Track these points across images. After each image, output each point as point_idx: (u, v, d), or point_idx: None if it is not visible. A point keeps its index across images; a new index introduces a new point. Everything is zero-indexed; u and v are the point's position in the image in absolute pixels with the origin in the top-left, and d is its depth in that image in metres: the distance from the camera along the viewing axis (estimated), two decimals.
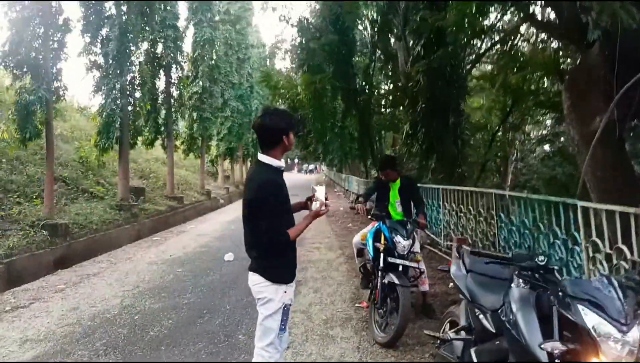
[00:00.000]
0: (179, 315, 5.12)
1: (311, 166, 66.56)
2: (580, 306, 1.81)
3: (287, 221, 2.64)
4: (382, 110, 19.43)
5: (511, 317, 2.17)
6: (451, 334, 3.02)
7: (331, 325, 4.70)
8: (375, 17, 15.59)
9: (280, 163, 2.64)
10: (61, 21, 9.04)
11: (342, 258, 8.06)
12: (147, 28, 14.38)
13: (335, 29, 14.69)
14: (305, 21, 15.46)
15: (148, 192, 15.29)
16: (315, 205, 2.76)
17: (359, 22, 16.19)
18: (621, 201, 4.15)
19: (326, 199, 2.77)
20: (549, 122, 21.28)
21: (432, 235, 8.33)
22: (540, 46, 11.60)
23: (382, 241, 4.44)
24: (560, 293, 1.97)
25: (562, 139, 17.76)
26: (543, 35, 11.68)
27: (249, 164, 35.30)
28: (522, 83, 12.84)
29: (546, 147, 21.27)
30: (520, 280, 2.31)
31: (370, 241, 4.70)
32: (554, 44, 11.29)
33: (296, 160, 70.08)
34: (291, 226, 2.63)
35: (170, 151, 16.34)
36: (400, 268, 4.35)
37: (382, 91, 19.41)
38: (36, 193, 9.40)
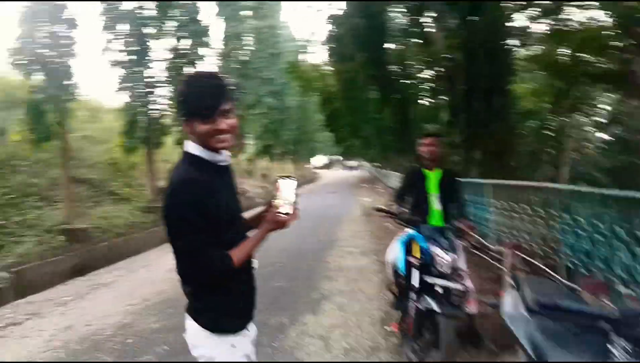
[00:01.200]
0: (176, 340, 4.38)
1: (353, 163, 65.36)
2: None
3: (230, 238, 1.73)
4: (421, 100, 18.24)
5: None
6: None
7: (354, 357, 3.83)
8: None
9: (214, 153, 1.71)
10: (66, 16, 8.56)
11: (376, 265, 7.14)
12: (165, 23, 13.89)
13: (364, 13, 13.67)
14: (334, 7, 14.55)
15: None
16: (276, 207, 1.78)
17: (390, 5, 15.07)
18: None
19: (295, 200, 1.81)
20: (606, 107, 19.49)
21: (478, 237, 7.26)
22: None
23: (417, 253, 3.51)
24: None
25: (621, 125, 16.04)
26: None
27: (287, 162, 34.93)
28: (576, 62, 11.42)
29: (603, 135, 19.44)
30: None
31: (400, 253, 3.77)
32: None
33: (338, 157, 69.14)
34: (233, 244, 1.74)
35: None
36: (440, 288, 3.41)
37: (420, 78, 18.19)
38: (58, 197, 9.02)
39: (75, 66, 8.96)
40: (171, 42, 14.68)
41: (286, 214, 1.77)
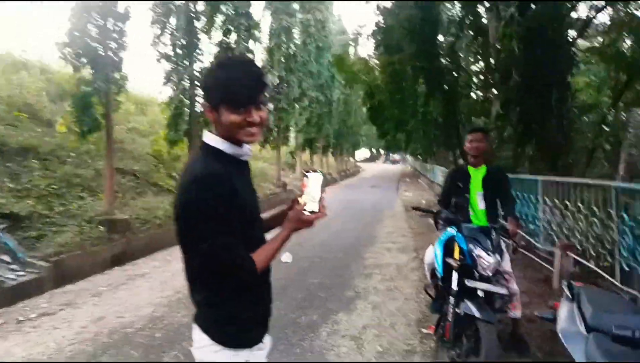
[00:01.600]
0: None
1: (396, 156, 64.49)
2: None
3: (251, 240, 1.55)
4: (471, 93, 17.56)
5: None
6: None
7: (387, 359, 3.61)
8: None
9: (237, 146, 1.55)
10: (122, 10, 8.65)
11: (415, 262, 6.87)
12: (217, 16, 13.99)
13: (416, 4, 13.24)
14: None
15: None
16: (301, 204, 1.61)
17: None
18: None
19: (321, 196, 1.62)
20: None
21: (527, 236, 6.82)
22: None
23: (457, 255, 3.24)
24: None
25: None
26: None
27: (330, 156, 34.75)
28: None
29: None
30: None
31: (439, 254, 3.51)
32: None
33: (381, 150, 68.42)
34: (255, 245, 1.57)
35: None
36: (482, 292, 3.13)
37: (471, 71, 17.48)
38: (101, 188, 9.22)
39: (124, 59, 9.09)
40: (220, 36, 14.83)
41: (312, 212, 1.60)
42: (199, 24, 12.56)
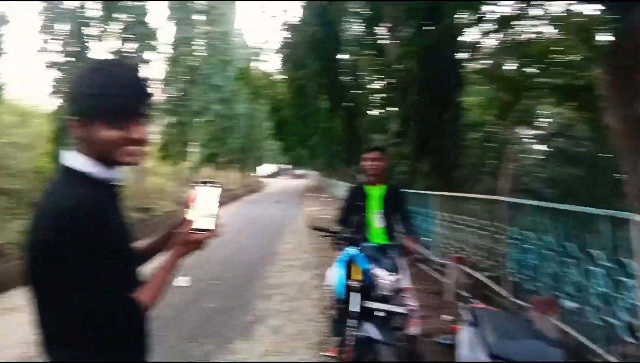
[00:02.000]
0: None
1: (300, 172, 65.09)
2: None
3: (124, 276, 1.24)
4: (371, 111, 18.19)
5: None
6: None
7: None
8: (363, 7, 14.39)
9: (106, 169, 1.25)
10: None
11: (317, 280, 6.72)
12: (110, 24, 13.14)
13: (320, 22, 13.45)
14: (289, 13, 14.26)
15: None
16: (188, 224, 1.30)
17: (346, 14, 14.91)
18: None
19: (216, 212, 1.32)
20: (546, 120, 20.17)
21: (423, 249, 7.01)
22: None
23: (357, 276, 3.13)
24: None
25: (561, 138, 16.63)
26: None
27: (234, 171, 34.10)
28: (523, 75, 11.67)
29: (542, 147, 20.09)
30: None
31: (339, 275, 3.37)
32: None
33: (286, 166, 68.71)
34: (134, 285, 1.25)
35: None
36: (382, 312, 3.03)
37: (372, 89, 18.13)
38: None
39: (2, 65, 8.10)
40: (115, 44, 13.94)
41: (204, 230, 1.30)
42: (91, 30, 11.69)
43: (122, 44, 14.43)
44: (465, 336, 1.83)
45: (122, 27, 13.71)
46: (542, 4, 9.79)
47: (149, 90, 1.26)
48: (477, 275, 5.17)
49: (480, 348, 1.64)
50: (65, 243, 1.10)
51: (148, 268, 1.39)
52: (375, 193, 3.81)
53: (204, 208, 1.32)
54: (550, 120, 18.10)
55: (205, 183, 1.36)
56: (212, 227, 1.30)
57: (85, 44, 10.99)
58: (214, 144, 23.18)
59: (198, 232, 1.29)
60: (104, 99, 1.18)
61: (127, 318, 1.18)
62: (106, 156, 1.22)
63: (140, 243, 1.44)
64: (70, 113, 1.21)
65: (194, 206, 1.32)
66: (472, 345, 1.72)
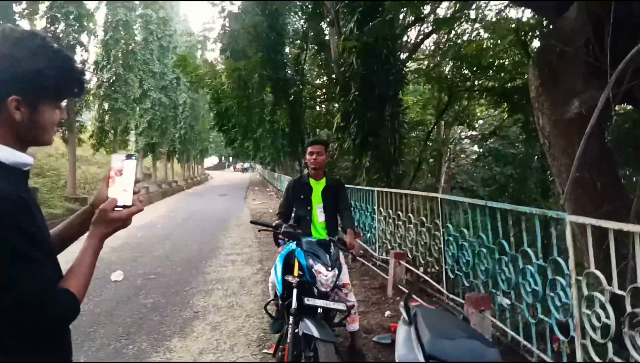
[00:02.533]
0: None
1: (246, 165, 64.41)
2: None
3: (50, 268, 1.12)
4: (315, 105, 18.23)
5: None
6: None
7: None
8: (306, 1, 14.33)
9: (16, 154, 1.10)
10: None
11: (260, 275, 6.66)
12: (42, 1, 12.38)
13: (263, 11, 13.27)
14: (229, 1, 13.94)
15: (44, 193, 13.26)
16: (112, 200, 1.20)
17: (289, 6, 14.79)
18: (611, 214, 3.13)
19: (136, 188, 1.24)
20: (480, 121, 21.06)
21: (364, 245, 7.13)
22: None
23: (296, 271, 3.11)
24: None
25: (492, 139, 17.44)
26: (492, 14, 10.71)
27: (175, 162, 33.10)
28: (459, 75, 12.14)
29: (475, 147, 20.95)
30: None
31: (279, 270, 3.35)
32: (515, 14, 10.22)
33: (230, 158, 67.61)
34: (58, 276, 1.13)
35: (72, 145, 14.24)
36: (321, 309, 3.03)
37: (315, 84, 18.15)
38: None
39: None
40: (42, 23, 13.12)
41: (123, 207, 1.21)
42: (17, 8, 10.92)
43: (54, 25, 13.65)
44: (400, 334, 1.85)
45: (52, 5, 12.95)
46: (479, 7, 10.19)
47: (78, 69, 1.19)
48: (417, 271, 5.31)
49: (415, 347, 1.66)
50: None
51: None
52: (317, 186, 3.80)
53: (122, 183, 1.24)
54: (483, 121, 18.97)
55: (123, 156, 1.28)
56: (129, 203, 1.22)
57: (11, 22, 10.21)
58: (153, 133, 22.36)
59: (120, 209, 1.20)
60: (61, 81, 1.12)
61: (64, 309, 1.08)
62: (37, 136, 1.14)
63: (55, 228, 1.31)
64: (6, 92, 1.06)
65: (112, 181, 1.24)
66: (408, 344, 1.73)
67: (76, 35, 14.16)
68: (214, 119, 20.79)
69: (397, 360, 1.74)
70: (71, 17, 13.66)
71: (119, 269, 6.72)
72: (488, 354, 1.49)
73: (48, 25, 13.58)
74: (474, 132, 19.77)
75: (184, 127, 29.27)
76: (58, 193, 14.17)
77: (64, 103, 1.20)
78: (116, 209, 1.20)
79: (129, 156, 1.27)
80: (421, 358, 1.57)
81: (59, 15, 13.60)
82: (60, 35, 13.67)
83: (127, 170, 1.24)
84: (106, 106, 17.48)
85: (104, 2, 17.86)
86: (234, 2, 14.60)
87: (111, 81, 17.34)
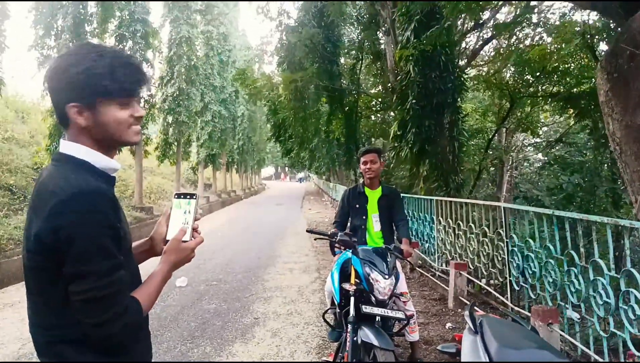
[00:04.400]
0: None
1: (301, 175, 65.23)
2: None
3: (129, 273, 1.21)
4: (370, 115, 18.21)
5: None
6: None
7: None
8: (361, 11, 14.42)
9: (108, 158, 1.23)
10: None
11: (317, 284, 6.71)
12: (111, 20, 13.17)
13: (319, 23, 13.48)
14: (286, 15, 14.25)
15: None
16: (182, 231, 1.31)
17: (344, 17, 14.93)
18: None
19: (195, 224, 1.36)
20: (545, 128, 20.20)
21: (422, 255, 7.01)
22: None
23: (353, 279, 3.12)
24: None
25: (558, 147, 16.66)
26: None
27: (234, 172, 34.07)
28: (521, 81, 11.73)
29: (540, 156, 20.08)
30: None
31: (336, 279, 3.36)
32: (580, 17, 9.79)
33: (286, 168, 68.77)
34: (137, 284, 1.25)
35: (139, 156, 14.98)
36: (379, 317, 3.02)
37: (371, 93, 18.16)
38: None
39: (1, 61, 8.07)
40: (112, 42, 13.96)
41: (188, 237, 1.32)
42: (88, 27, 11.71)
43: (123, 43, 14.48)
44: (466, 343, 1.80)
45: (121, 23, 13.74)
46: (541, 11, 9.82)
47: (142, 69, 1.26)
48: (479, 282, 5.16)
49: (483, 356, 1.62)
50: (78, 229, 1.06)
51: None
52: (372, 195, 3.79)
53: (181, 218, 1.34)
54: (548, 128, 18.14)
55: (185, 195, 1.38)
56: (188, 238, 1.32)
57: (82, 40, 10.95)
58: (213, 144, 23.12)
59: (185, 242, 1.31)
60: (110, 79, 1.16)
61: (129, 314, 1.14)
62: (114, 138, 1.21)
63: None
64: (66, 101, 1.15)
65: (175, 217, 1.34)
66: (474, 353, 1.69)
67: (143, 53, 14.92)
68: (270, 130, 21.26)
69: None
70: (138, 35, 14.43)
71: (183, 275, 6.99)
72: None
73: (116, 43, 14.43)
74: (538, 140, 19.00)
75: (242, 138, 30.12)
76: (126, 202, 14.95)
77: (135, 101, 1.26)
78: (184, 243, 1.31)
79: (191, 196, 1.37)
80: None
81: (127, 34, 14.42)
82: (129, 52, 14.51)
83: (186, 208, 1.35)
84: (170, 119, 18.26)
85: (168, 21, 18.72)
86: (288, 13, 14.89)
87: (175, 95, 18.10)
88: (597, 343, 3.13)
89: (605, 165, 10.89)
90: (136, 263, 1.33)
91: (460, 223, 5.66)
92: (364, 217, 3.76)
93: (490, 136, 15.30)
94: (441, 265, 6.37)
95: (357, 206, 3.80)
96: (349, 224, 3.82)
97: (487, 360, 1.55)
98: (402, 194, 4.29)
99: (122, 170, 17.36)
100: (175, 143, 19.05)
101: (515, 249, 4.27)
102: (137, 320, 1.17)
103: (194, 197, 1.37)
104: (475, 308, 2.06)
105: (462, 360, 1.74)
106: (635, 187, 3.59)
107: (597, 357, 3.09)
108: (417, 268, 6.82)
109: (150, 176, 20.30)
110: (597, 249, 3.10)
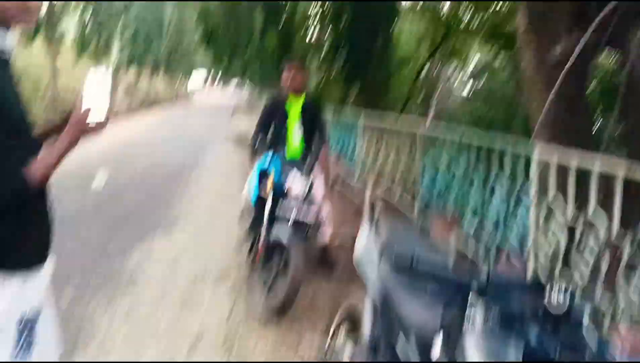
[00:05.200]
0: None
1: (232, 84, 62.97)
2: None
3: (19, 154, 1.17)
4: (307, 36, 17.71)
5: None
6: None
7: (200, 282, 3.59)
8: None
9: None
10: None
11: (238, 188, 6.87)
12: None
13: None
14: None
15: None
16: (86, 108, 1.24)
17: None
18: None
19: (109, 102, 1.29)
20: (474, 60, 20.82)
21: (344, 170, 7.31)
22: None
23: (270, 184, 3.27)
24: None
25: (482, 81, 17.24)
26: None
27: (159, 78, 32.11)
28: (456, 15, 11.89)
29: (465, 93, 20.88)
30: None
31: (253, 182, 3.53)
32: None
33: (217, 76, 65.94)
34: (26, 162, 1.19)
35: (54, 53, 13.73)
36: (292, 220, 3.23)
37: (306, 12, 17.55)
38: None
39: None
40: None
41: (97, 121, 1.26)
42: None
43: None
44: (362, 233, 1.95)
45: None
46: None
47: None
48: (391, 201, 5.55)
49: (373, 248, 1.78)
50: None
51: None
52: (294, 105, 3.81)
53: (97, 95, 1.28)
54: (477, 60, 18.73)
55: (99, 72, 1.31)
56: (102, 118, 1.27)
57: None
58: (136, 46, 21.55)
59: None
60: None
61: (17, 186, 1.14)
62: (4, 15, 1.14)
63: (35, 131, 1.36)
64: None
65: (88, 92, 1.27)
66: (367, 244, 1.86)
67: None
68: (202, 35, 20.05)
69: (355, 259, 1.90)
70: None
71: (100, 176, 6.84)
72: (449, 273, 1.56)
73: None
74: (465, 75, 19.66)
75: (169, 40, 28.02)
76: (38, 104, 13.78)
77: None
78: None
79: (104, 73, 1.30)
80: (376, 259, 1.70)
81: None
82: None
83: (100, 84, 1.28)
84: (87, 13, 16.69)
85: None
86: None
87: None
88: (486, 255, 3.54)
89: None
90: (35, 140, 1.32)
91: (382, 143, 5.95)
92: (284, 125, 3.79)
93: (422, 65, 15.58)
94: (359, 181, 6.70)
95: (278, 114, 3.82)
96: (270, 131, 3.82)
97: (377, 252, 1.72)
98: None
99: (33, 68, 15.82)
100: (94, 40, 17.60)
101: (425, 172, 4.64)
102: (17, 190, 1.16)
103: (108, 73, 1.30)
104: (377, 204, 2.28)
105: (357, 248, 1.93)
106: (535, 116, 3.97)
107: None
108: (337, 182, 7.13)
109: (63, 77, 18.74)
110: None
